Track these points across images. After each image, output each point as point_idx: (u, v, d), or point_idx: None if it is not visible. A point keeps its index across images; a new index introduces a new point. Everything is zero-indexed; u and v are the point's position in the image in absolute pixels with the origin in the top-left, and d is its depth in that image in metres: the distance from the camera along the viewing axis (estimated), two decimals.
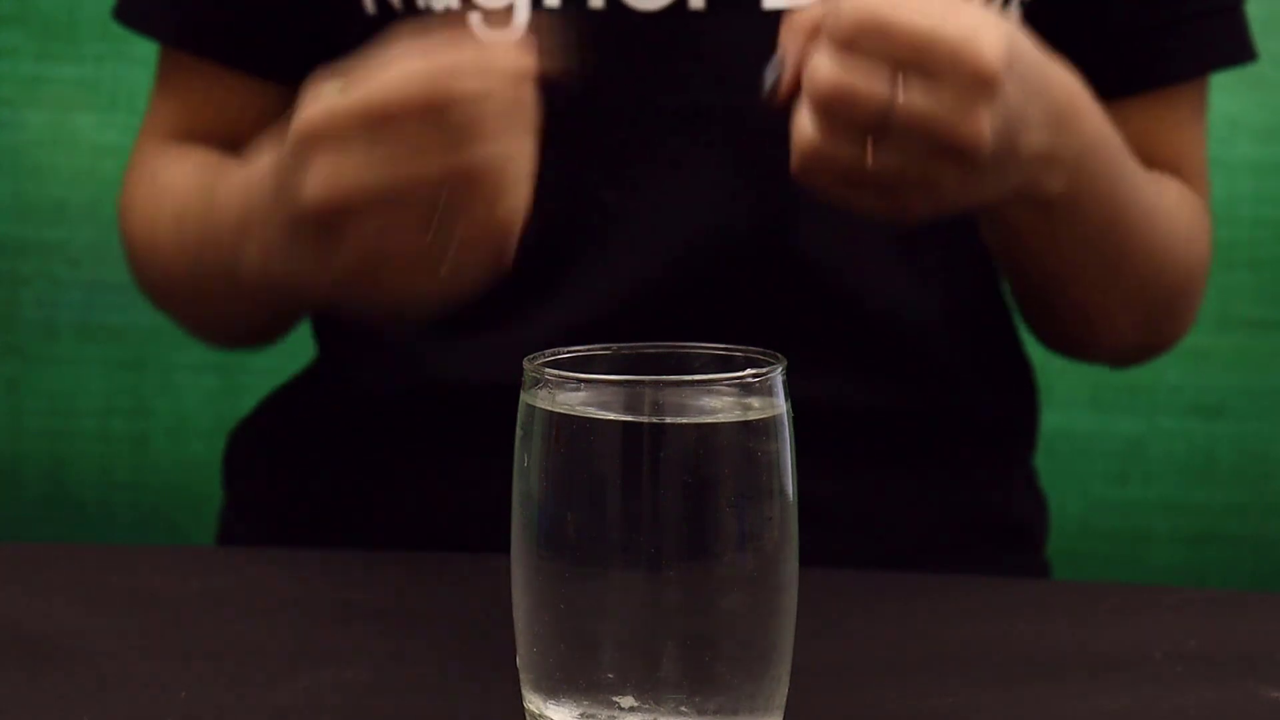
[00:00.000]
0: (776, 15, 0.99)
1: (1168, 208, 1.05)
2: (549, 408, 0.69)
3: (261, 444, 1.12)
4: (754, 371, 0.69)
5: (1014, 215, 0.95)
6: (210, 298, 1.05)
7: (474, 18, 1.01)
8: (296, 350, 1.15)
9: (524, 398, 0.70)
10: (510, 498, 0.75)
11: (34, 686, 0.78)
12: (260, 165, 0.92)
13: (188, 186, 1.06)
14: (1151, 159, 1.08)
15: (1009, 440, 1.11)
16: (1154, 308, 1.07)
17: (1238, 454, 1.47)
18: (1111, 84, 1.07)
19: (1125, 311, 1.05)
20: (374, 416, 1.06)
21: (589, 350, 0.72)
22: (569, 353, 0.72)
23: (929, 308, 1.05)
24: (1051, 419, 1.51)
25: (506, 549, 0.93)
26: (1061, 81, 0.91)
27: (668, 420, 0.67)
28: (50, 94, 1.46)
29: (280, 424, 1.12)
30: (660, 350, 0.73)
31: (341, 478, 1.08)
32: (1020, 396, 1.12)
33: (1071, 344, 1.09)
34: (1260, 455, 1.47)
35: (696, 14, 1.00)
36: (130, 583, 0.91)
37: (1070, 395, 1.49)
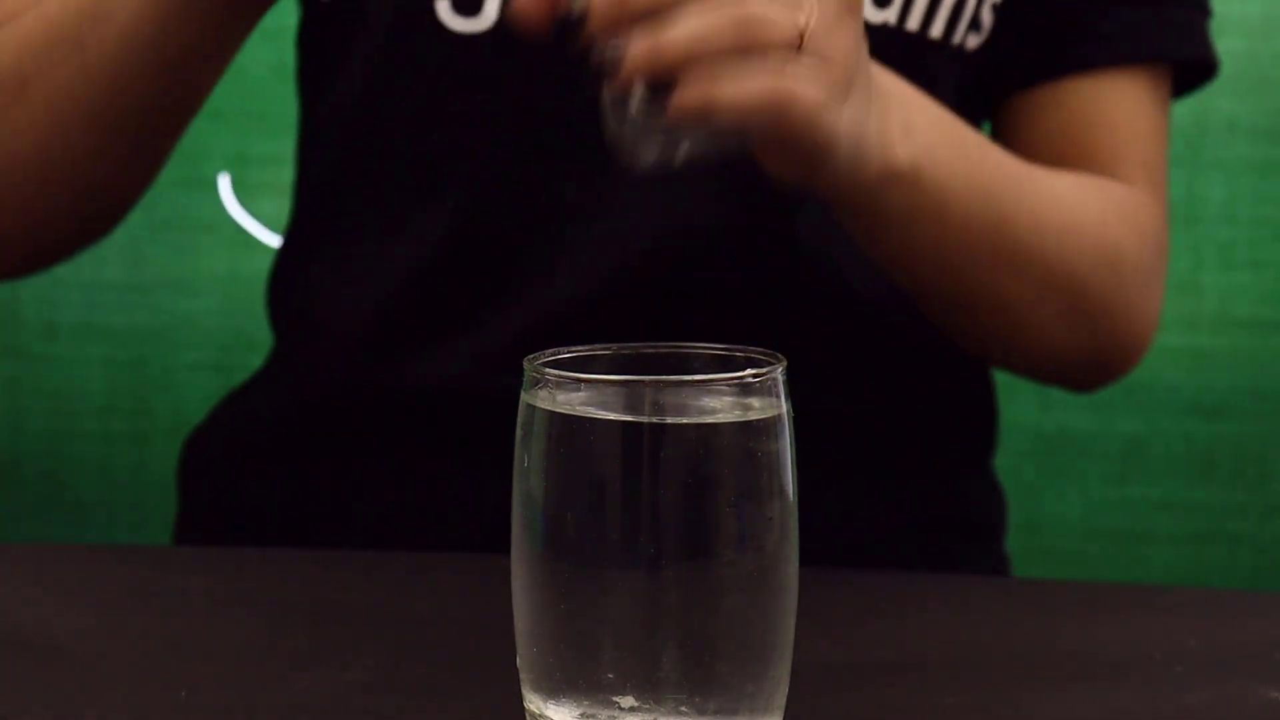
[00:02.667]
0: None
1: (1061, 195, 1.01)
2: (549, 408, 0.69)
3: (218, 449, 1.12)
4: (754, 371, 0.69)
5: (877, 196, 0.91)
6: (69, 103, 0.97)
7: (442, 5, 1.00)
8: None
9: (524, 398, 0.70)
10: (486, 499, 0.75)
11: (34, 686, 0.78)
12: None
13: None
14: (1089, 149, 1.06)
15: (969, 439, 1.12)
16: (1073, 300, 1.02)
17: (1238, 454, 1.47)
18: (1050, 62, 1.06)
19: (1040, 305, 1.00)
20: (336, 420, 1.06)
21: (589, 350, 0.72)
22: (569, 353, 0.72)
23: (891, 311, 1.05)
24: (1051, 419, 1.52)
25: (471, 550, 0.93)
26: (882, 74, 0.90)
27: (668, 420, 0.67)
28: None
29: (238, 429, 1.11)
30: (660, 350, 0.72)
31: (299, 484, 1.07)
32: (978, 395, 1.12)
33: (1006, 351, 1.04)
34: (1260, 455, 1.47)
35: None
36: (130, 583, 0.91)
37: (1070, 395, 1.49)
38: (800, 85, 0.80)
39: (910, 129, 0.90)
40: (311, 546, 1.03)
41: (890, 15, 1.01)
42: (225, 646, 0.83)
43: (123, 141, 0.99)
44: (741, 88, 0.79)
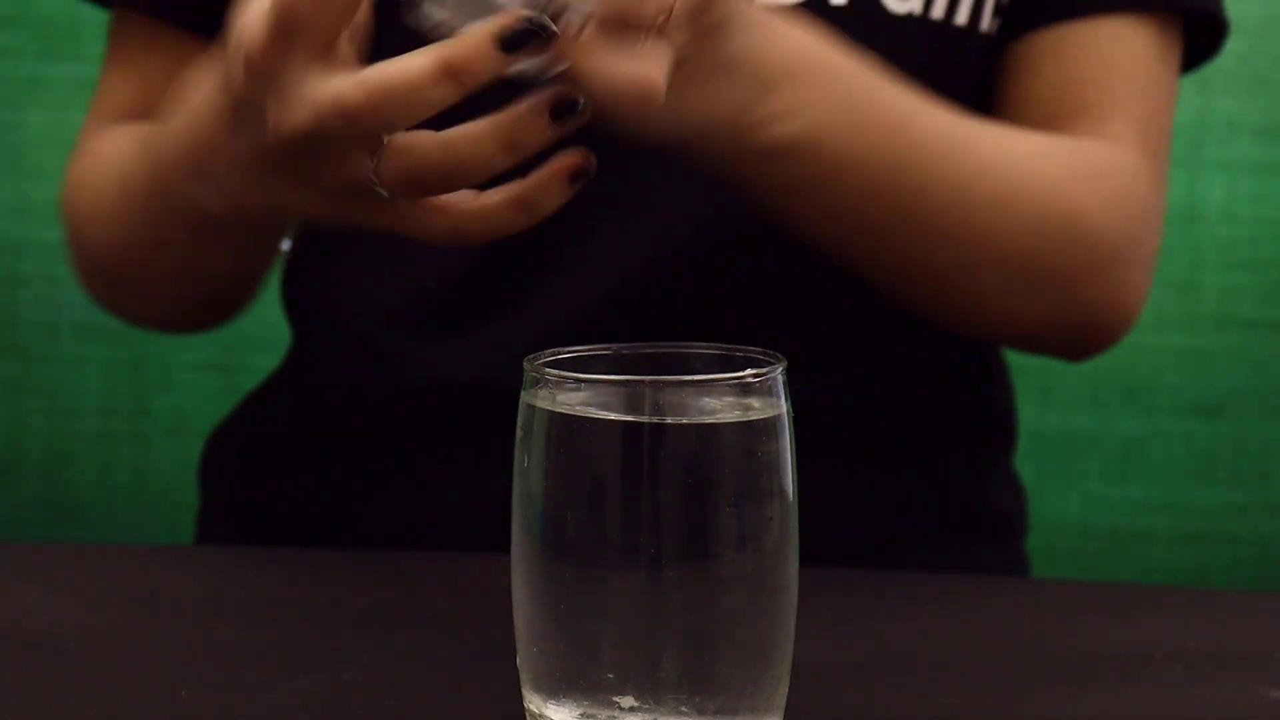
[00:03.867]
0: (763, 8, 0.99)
1: (1009, 161, 0.96)
2: (549, 408, 0.69)
3: (238, 447, 1.12)
4: (754, 371, 0.69)
5: (751, 170, 0.90)
6: (164, 260, 1.00)
7: None
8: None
9: (524, 398, 0.70)
10: (496, 497, 0.75)
11: (34, 686, 0.78)
12: (204, 97, 0.86)
13: (130, 148, 1.01)
14: (1082, 104, 1.03)
15: (987, 434, 1.12)
16: (1017, 270, 0.97)
17: (1238, 454, 1.47)
18: (1043, 8, 1.04)
19: (973, 275, 0.96)
20: (354, 418, 1.06)
21: (589, 350, 0.72)
22: (569, 353, 0.72)
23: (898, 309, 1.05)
24: (1051, 419, 1.51)
25: (485, 549, 0.93)
26: (787, 41, 0.88)
27: (668, 420, 0.67)
28: (50, 94, 1.46)
29: (257, 427, 1.11)
30: (660, 350, 0.73)
31: (319, 481, 1.07)
32: (996, 390, 1.12)
33: (958, 318, 1.00)
34: (1260, 455, 1.47)
35: None
36: (130, 583, 0.91)
37: (1070, 395, 1.49)
38: (649, 75, 0.78)
39: (796, 108, 0.87)
40: (332, 545, 1.03)
41: (915, 5, 1.00)
42: (225, 646, 0.83)
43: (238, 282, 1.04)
44: (607, 72, 0.78)
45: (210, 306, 1.07)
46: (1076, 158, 1.00)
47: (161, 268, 1.01)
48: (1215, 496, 1.46)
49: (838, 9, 0.99)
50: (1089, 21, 1.04)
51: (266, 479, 1.09)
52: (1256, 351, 1.46)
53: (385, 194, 0.78)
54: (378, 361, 1.04)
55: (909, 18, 1.00)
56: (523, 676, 0.71)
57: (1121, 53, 1.04)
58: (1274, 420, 1.46)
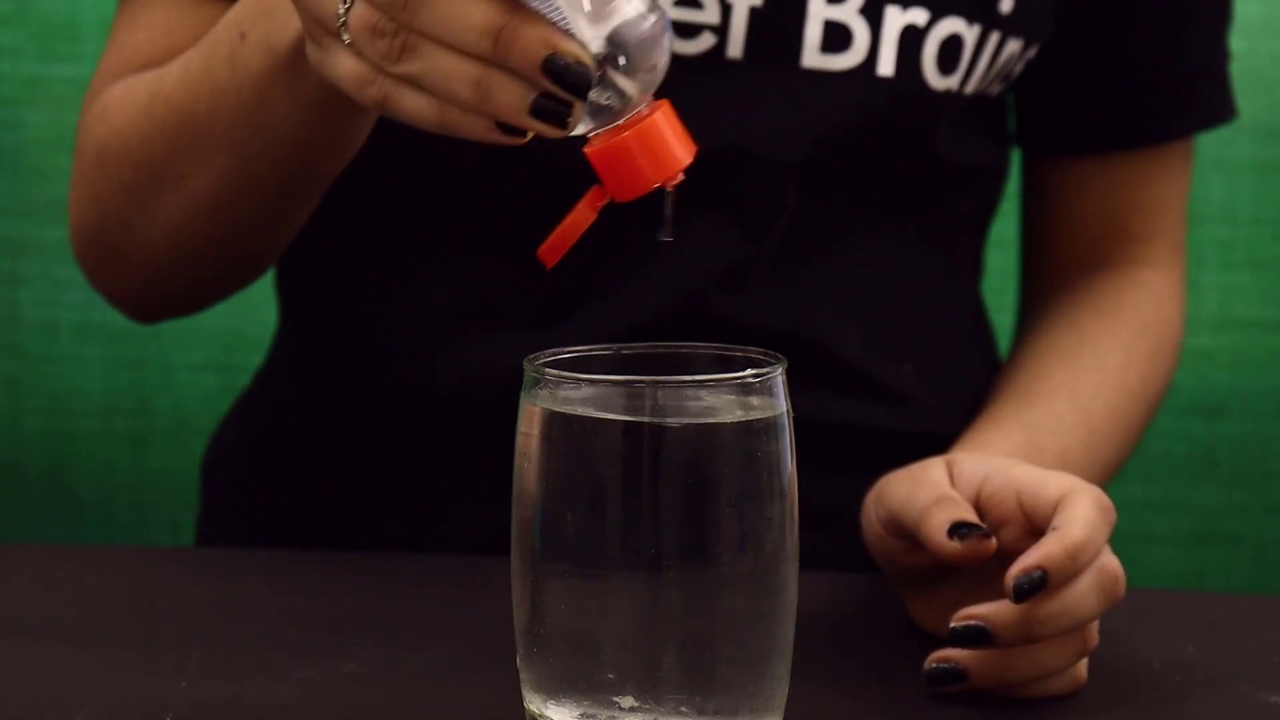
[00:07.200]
0: (812, 73, 1.00)
1: (1136, 357, 1.11)
2: (549, 408, 0.69)
3: (242, 448, 1.11)
4: (754, 371, 0.69)
5: None
6: (219, 137, 0.94)
7: None
8: None
9: (524, 398, 0.70)
10: (501, 507, 0.74)
11: (34, 684, 0.78)
12: None
13: (171, 65, 0.96)
14: (1127, 228, 1.12)
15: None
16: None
17: (1238, 454, 1.47)
18: (1104, 139, 1.11)
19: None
20: (363, 420, 1.05)
21: (589, 350, 0.72)
22: (569, 353, 0.72)
23: (920, 340, 1.07)
24: None
25: (488, 554, 0.93)
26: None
27: (668, 420, 0.67)
28: (50, 94, 1.46)
29: (261, 427, 1.11)
30: (660, 350, 0.73)
31: (325, 484, 1.07)
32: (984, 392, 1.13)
33: None
34: (1260, 455, 1.47)
35: (734, 63, 0.99)
36: (130, 583, 0.91)
37: None
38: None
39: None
40: (335, 549, 1.03)
41: (953, 83, 1.02)
42: (226, 643, 0.83)
43: (276, 211, 0.97)
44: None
45: (235, 240, 0.99)
46: (1151, 348, 1.13)
47: (211, 159, 0.95)
48: (1215, 496, 1.46)
49: (884, 80, 1.00)
50: (1141, 151, 1.12)
51: (271, 481, 1.09)
52: (1256, 351, 1.46)
53: (347, 38, 0.74)
54: (393, 366, 1.04)
55: (947, 93, 1.02)
56: (523, 676, 0.71)
57: (1166, 177, 1.13)
58: (1274, 420, 1.46)
